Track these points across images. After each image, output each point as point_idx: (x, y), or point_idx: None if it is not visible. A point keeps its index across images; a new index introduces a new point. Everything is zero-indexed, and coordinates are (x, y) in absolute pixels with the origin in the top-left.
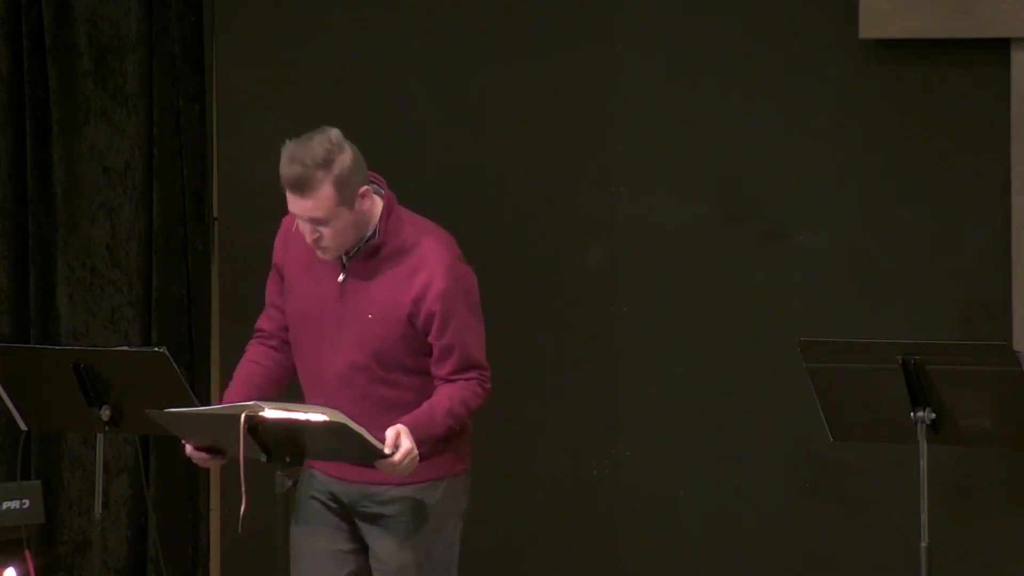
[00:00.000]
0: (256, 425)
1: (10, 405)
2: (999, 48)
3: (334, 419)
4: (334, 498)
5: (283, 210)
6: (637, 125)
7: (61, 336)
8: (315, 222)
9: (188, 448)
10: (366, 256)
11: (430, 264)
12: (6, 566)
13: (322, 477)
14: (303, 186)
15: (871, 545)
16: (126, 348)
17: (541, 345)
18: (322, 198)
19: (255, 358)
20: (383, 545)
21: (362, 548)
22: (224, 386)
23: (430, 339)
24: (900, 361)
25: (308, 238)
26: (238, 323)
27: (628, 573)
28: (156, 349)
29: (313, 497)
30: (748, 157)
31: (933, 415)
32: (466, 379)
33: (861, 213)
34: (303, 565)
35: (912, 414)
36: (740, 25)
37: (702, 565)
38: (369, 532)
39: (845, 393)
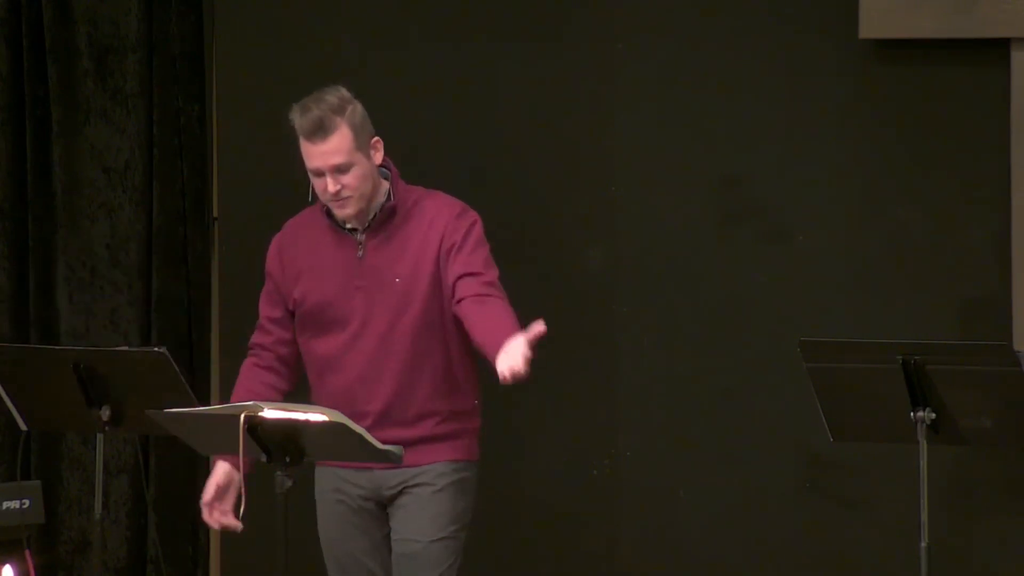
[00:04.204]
0: (256, 425)
1: (10, 405)
2: (999, 48)
3: (334, 419)
4: (360, 492)
5: (283, 210)
6: (637, 125)
7: (61, 336)
8: (336, 169)
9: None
10: (382, 222)
11: (446, 209)
12: (6, 566)
13: (344, 472)
14: (322, 128)
15: (871, 545)
16: (126, 348)
17: (541, 345)
18: (341, 139)
19: (251, 387)
20: (403, 521)
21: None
22: (224, 386)
23: (451, 264)
24: (900, 361)
25: (331, 190)
26: (238, 323)
27: (628, 573)
28: (156, 349)
29: (340, 500)
30: (748, 157)
31: (933, 415)
32: (493, 297)
33: (861, 213)
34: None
35: (912, 414)
36: (740, 25)
37: (702, 565)
38: (393, 512)
39: (845, 393)
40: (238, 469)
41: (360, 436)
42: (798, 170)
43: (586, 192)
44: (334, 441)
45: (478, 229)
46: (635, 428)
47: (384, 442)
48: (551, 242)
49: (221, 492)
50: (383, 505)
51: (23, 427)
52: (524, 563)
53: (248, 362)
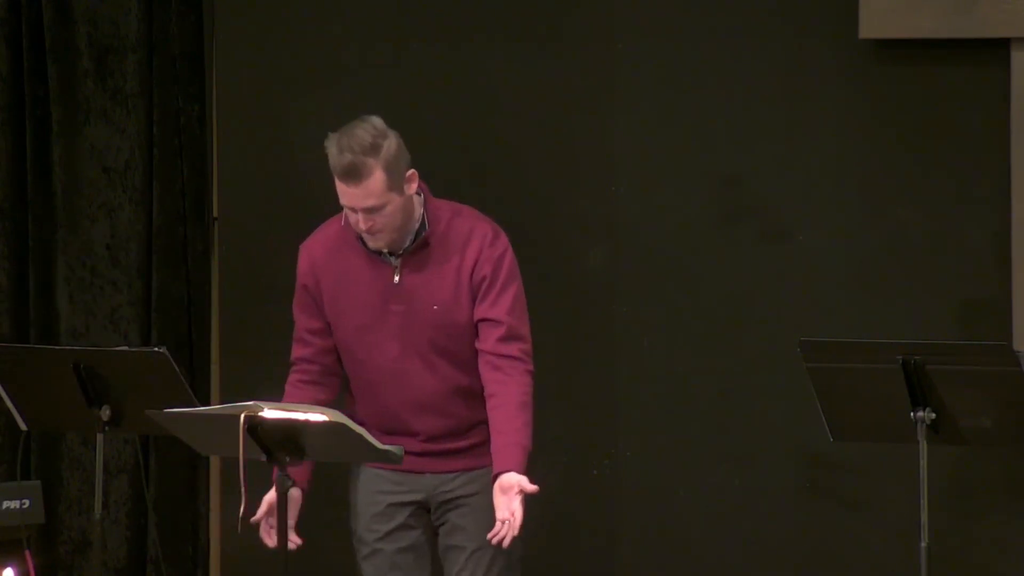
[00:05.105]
0: (256, 425)
1: (10, 405)
2: (999, 48)
3: (334, 419)
4: (408, 490)
5: (283, 210)
6: (637, 125)
7: (61, 336)
8: (369, 211)
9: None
10: (418, 249)
11: (478, 233)
12: (6, 566)
13: (388, 474)
14: (355, 173)
15: (871, 545)
16: (126, 348)
17: (541, 345)
18: (374, 184)
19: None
20: (464, 524)
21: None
22: (225, 385)
23: (478, 304)
24: (900, 361)
25: (362, 227)
26: (238, 323)
27: (627, 572)
28: (156, 349)
29: (384, 501)
30: (748, 157)
31: (933, 415)
32: (510, 359)
33: (861, 213)
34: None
35: (912, 414)
36: (740, 25)
37: (702, 565)
38: (449, 514)
39: (845, 393)
40: (298, 486)
41: (360, 436)
42: (798, 170)
43: (586, 192)
44: (334, 441)
45: (508, 259)
46: (635, 428)
47: (439, 454)
48: (551, 242)
49: (273, 509)
50: (429, 509)
51: (23, 427)
52: (524, 563)
53: (292, 379)
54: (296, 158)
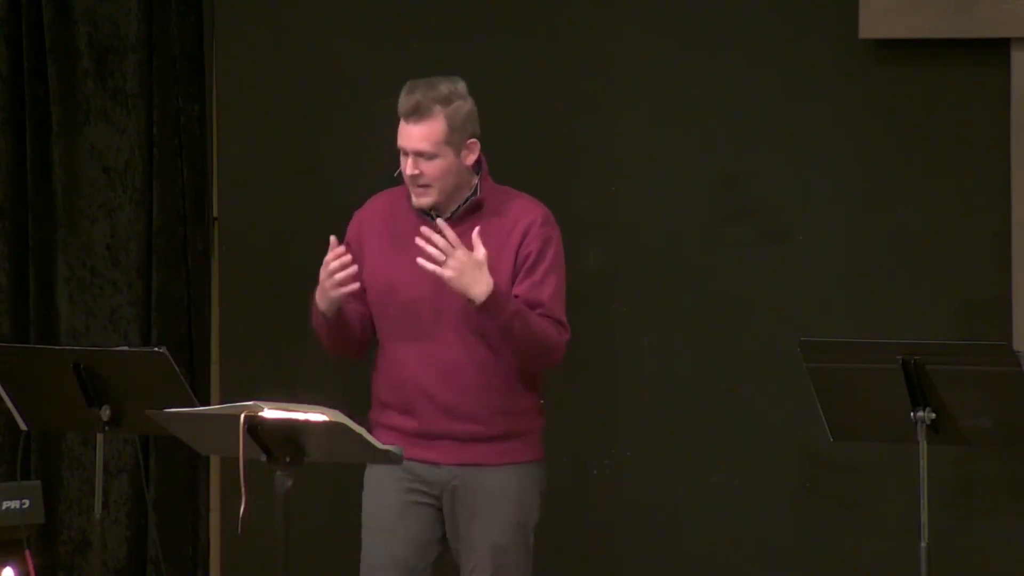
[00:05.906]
0: (256, 425)
1: (10, 405)
2: (999, 48)
3: (334, 419)
4: (421, 483)
5: (283, 210)
6: (637, 125)
7: (61, 336)
8: (420, 155)
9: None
10: (466, 214)
11: (530, 211)
12: (6, 566)
13: (408, 464)
14: (416, 111)
15: (871, 545)
16: (126, 348)
17: None
18: (432, 129)
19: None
20: (477, 524)
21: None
22: (225, 385)
23: (519, 281)
24: (900, 361)
25: (408, 172)
26: (238, 323)
27: (628, 573)
28: (156, 349)
29: (397, 490)
30: (748, 157)
31: (933, 415)
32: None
33: (861, 213)
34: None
35: (912, 414)
36: (740, 25)
37: (702, 565)
38: (462, 513)
39: (845, 393)
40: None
41: (360, 436)
42: (798, 170)
43: (586, 192)
44: (334, 441)
45: (556, 243)
46: (635, 428)
47: (453, 436)
48: None
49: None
50: (440, 505)
51: (23, 427)
52: None
53: None
54: (296, 158)
